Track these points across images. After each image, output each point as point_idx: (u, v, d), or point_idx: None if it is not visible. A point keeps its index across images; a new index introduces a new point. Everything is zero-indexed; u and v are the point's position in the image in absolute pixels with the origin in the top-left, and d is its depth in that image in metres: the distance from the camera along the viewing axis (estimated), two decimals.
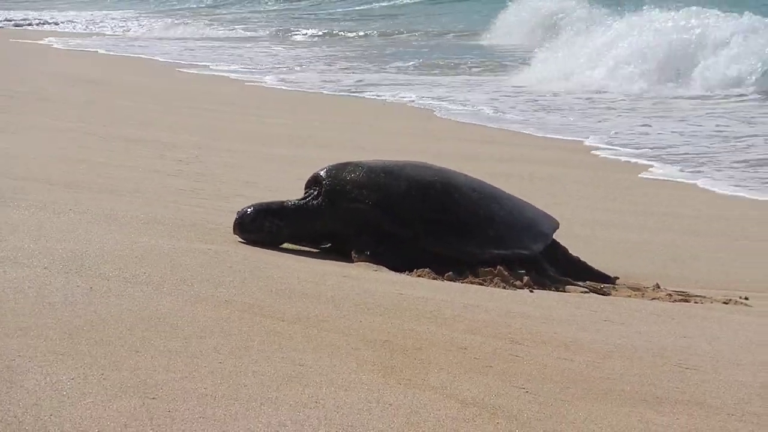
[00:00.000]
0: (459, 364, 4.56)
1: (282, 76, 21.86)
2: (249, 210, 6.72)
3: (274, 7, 54.64)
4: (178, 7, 56.93)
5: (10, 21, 44.25)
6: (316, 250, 6.84)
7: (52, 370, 3.84)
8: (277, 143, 12.24)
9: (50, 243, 5.64)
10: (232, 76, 21.85)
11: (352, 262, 6.53)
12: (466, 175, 7.19)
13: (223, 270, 5.65)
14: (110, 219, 6.57)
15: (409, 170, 6.96)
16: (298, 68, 24.79)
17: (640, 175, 12.12)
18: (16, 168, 8.18)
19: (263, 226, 6.69)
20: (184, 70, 22.87)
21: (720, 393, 4.66)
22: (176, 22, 44.03)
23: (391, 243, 6.63)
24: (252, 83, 20.74)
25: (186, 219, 6.97)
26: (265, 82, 21.02)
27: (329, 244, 6.92)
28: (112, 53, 26.74)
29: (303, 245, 6.83)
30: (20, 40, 28.54)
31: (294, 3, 55.75)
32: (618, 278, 7.05)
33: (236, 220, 6.70)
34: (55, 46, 27.82)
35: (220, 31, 39.20)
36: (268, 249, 6.58)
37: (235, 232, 6.67)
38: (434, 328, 5.07)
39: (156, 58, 26.09)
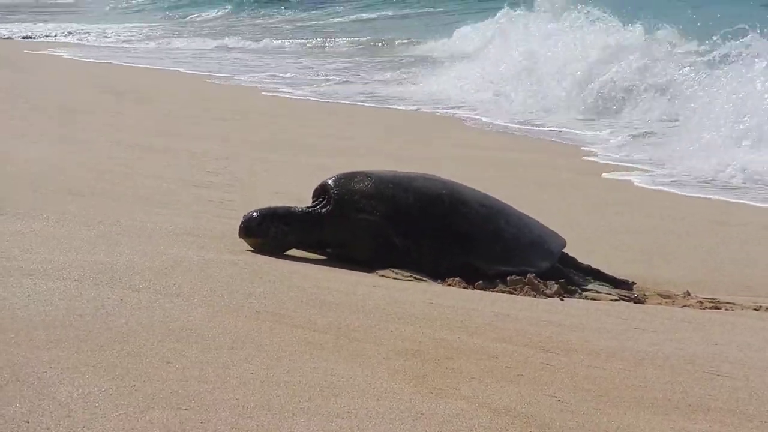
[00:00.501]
0: (490, 373, 4.55)
1: (314, 88, 21.68)
2: (255, 214, 6.70)
3: (301, 15, 53.67)
4: (195, 18, 55.15)
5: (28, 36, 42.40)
6: (343, 261, 6.82)
7: (83, 381, 3.85)
8: (307, 152, 12.23)
9: (80, 255, 5.65)
10: (259, 86, 21.80)
11: (371, 270, 6.53)
12: (474, 190, 7.19)
13: (253, 281, 5.66)
14: (140, 230, 6.58)
15: (417, 182, 6.96)
16: (330, 79, 24.57)
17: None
18: (45, 179, 8.19)
19: (269, 231, 6.67)
20: (210, 81, 22.85)
21: (752, 400, 4.64)
22: (193, 32, 43.30)
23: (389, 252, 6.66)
24: (279, 93, 20.66)
25: (215, 230, 6.97)
26: (292, 92, 20.91)
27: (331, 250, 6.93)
28: (131, 64, 26.68)
29: (308, 251, 6.80)
30: (36, 52, 28.49)
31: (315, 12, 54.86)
32: (635, 283, 7.03)
33: (242, 223, 6.67)
34: (74, 57, 27.74)
35: (244, 43, 38.57)
36: (296, 260, 6.58)
37: (240, 236, 6.65)
38: (465, 337, 5.06)
39: (180, 69, 26.04)
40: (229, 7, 53.56)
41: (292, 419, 3.74)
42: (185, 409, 3.70)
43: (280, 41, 36.77)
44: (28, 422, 3.47)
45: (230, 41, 36.10)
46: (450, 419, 3.93)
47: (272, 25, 47.02)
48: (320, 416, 3.80)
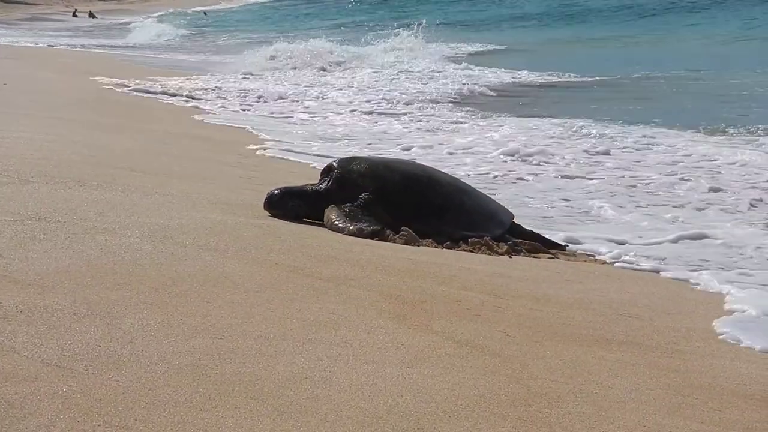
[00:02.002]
0: (455, 313, 4.55)
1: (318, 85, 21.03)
2: (276, 191, 6.72)
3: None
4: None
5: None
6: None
7: (143, 315, 3.84)
8: (324, 141, 12.20)
9: (141, 218, 5.63)
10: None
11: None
12: (445, 173, 7.25)
13: (273, 240, 5.65)
14: (187, 199, 6.56)
15: (401, 165, 7.03)
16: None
17: None
18: (116, 160, 8.18)
19: (287, 205, 6.69)
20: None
21: (654, 335, 4.67)
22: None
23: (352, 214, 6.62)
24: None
25: (245, 200, 6.96)
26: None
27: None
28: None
29: (318, 220, 6.78)
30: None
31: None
32: (568, 245, 7.04)
33: (266, 199, 6.69)
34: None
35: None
36: (306, 224, 6.58)
37: (264, 208, 6.66)
38: (435, 286, 5.06)
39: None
40: None
41: (302, 347, 3.74)
42: (220, 338, 3.70)
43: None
44: (100, 346, 3.46)
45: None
46: (424, 348, 3.93)
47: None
48: (324, 344, 3.80)
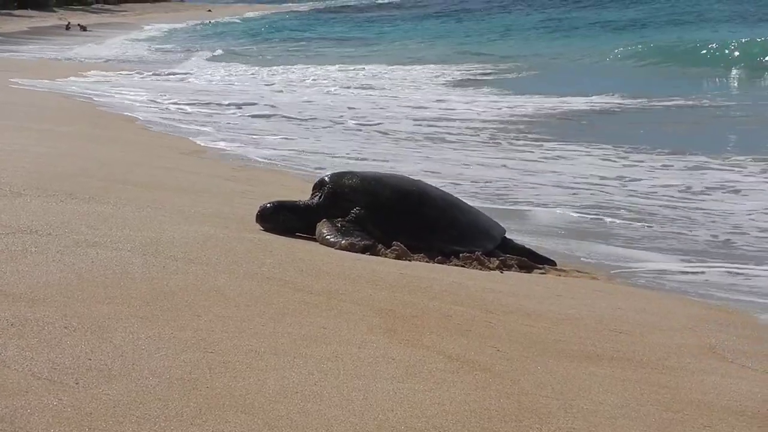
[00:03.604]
0: (445, 328, 4.55)
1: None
2: (268, 205, 6.72)
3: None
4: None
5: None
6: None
7: (133, 329, 3.84)
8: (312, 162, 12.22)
9: (132, 231, 5.63)
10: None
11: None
12: (436, 188, 7.25)
13: (265, 254, 5.64)
14: (179, 213, 6.56)
15: (393, 180, 7.00)
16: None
17: None
18: (108, 173, 8.17)
19: (279, 219, 6.68)
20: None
21: (645, 351, 4.66)
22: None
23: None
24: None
25: (237, 214, 6.96)
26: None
27: None
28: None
29: (310, 234, 6.77)
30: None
31: None
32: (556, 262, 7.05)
33: (258, 212, 6.69)
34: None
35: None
36: (298, 238, 6.59)
37: (256, 221, 6.66)
38: (427, 301, 5.06)
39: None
40: None
41: (293, 361, 3.73)
42: (211, 352, 3.69)
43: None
44: (91, 360, 3.45)
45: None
46: (415, 363, 3.92)
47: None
48: (314, 359, 3.79)
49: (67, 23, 73.31)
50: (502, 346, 4.38)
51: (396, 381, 3.67)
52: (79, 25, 71.70)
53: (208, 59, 38.28)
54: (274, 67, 31.72)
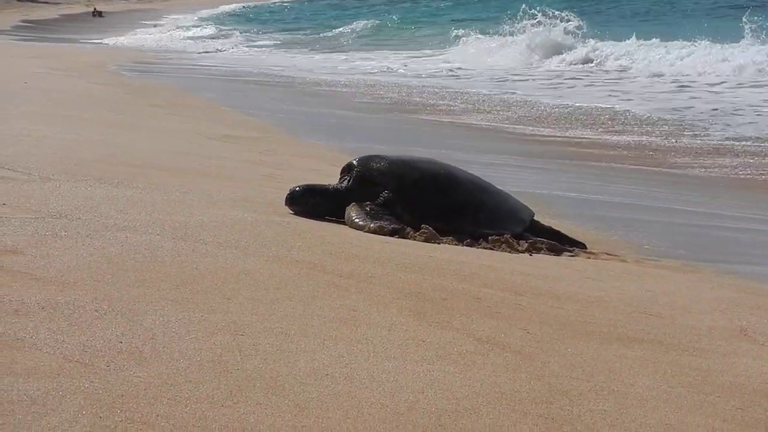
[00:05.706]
0: (475, 310, 4.54)
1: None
2: (297, 188, 6.71)
3: None
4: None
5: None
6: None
7: (164, 312, 3.85)
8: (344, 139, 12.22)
9: (161, 215, 5.65)
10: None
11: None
12: (464, 170, 7.20)
13: (294, 237, 5.65)
14: (208, 197, 6.58)
15: (421, 164, 6.96)
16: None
17: None
18: (138, 158, 8.20)
19: (308, 202, 6.68)
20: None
21: (675, 334, 4.64)
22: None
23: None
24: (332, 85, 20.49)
25: (266, 197, 6.97)
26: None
27: None
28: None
29: (338, 218, 6.77)
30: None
31: None
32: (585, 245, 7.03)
33: (288, 195, 6.69)
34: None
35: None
36: (328, 221, 6.59)
37: (286, 204, 6.66)
38: (456, 283, 5.05)
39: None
40: None
41: (323, 344, 3.74)
42: (241, 335, 3.70)
43: None
44: (122, 342, 3.47)
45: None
46: (444, 345, 3.92)
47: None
48: (344, 342, 3.80)
49: (93, 9, 73.23)
50: (532, 328, 4.37)
51: (426, 363, 3.67)
52: (95, 9, 71.39)
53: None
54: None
